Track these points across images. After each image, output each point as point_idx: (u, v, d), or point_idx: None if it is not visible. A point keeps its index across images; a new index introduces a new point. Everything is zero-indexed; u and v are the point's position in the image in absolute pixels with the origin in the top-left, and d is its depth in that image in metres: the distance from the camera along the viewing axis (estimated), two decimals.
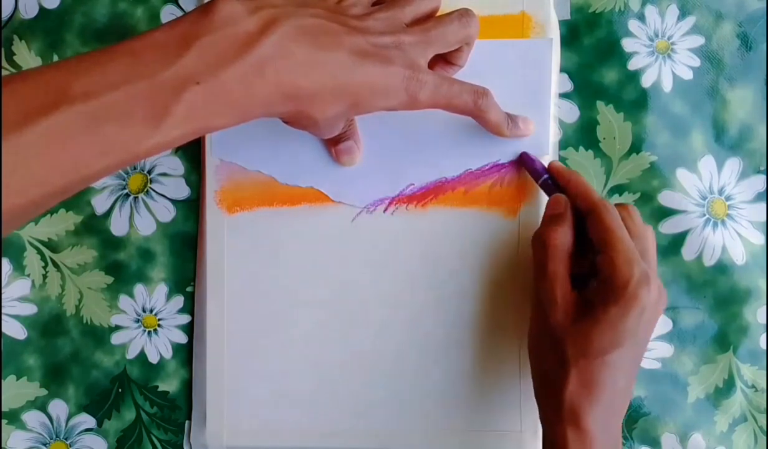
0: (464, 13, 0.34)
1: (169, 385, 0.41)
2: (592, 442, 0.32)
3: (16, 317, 0.41)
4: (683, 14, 0.40)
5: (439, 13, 0.35)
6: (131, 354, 0.41)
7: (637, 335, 0.32)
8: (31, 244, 0.41)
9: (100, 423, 0.41)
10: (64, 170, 0.26)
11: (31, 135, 0.25)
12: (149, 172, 0.41)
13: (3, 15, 0.41)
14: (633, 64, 0.39)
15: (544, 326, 0.34)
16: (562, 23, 0.39)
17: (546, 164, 0.38)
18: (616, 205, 0.35)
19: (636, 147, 0.39)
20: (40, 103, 0.26)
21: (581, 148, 0.40)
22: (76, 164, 0.26)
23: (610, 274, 0.33)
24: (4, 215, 0.26)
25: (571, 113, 0.40)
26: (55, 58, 0.41)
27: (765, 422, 0.39)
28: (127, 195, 0.41)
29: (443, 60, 0.36)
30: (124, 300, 0.41)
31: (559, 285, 0.34)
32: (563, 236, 0.35)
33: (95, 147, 0.26)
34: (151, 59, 0.27)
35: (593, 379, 0.32)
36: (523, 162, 0.38)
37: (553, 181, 0.37)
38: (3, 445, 0.41)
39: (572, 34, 0.40)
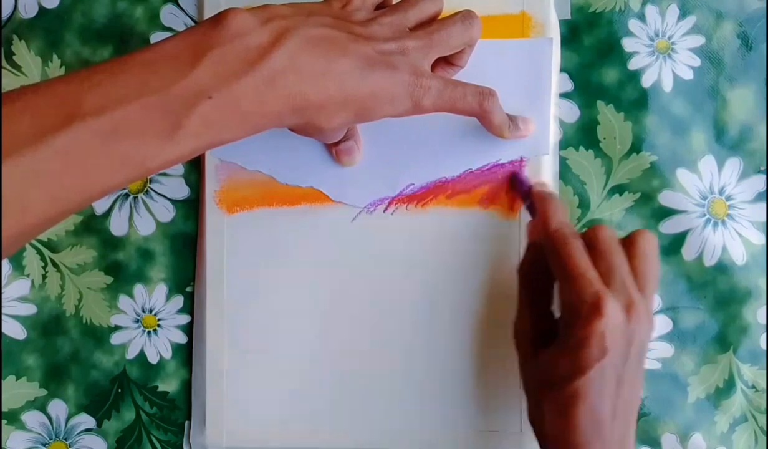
0: (467, 16, 0.34)
1: (169, 385, 0.41)
2: None
3: (15, 317, 0.41)
4: (683, 14, 0.39)
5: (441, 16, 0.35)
6: (131, 354, 0.41)
7: (604, 360, 0.30)
8: (30, 244, 0.41)
9: (99, 424, 0.41)
10: (78, 186, 0.26)
11: (45, 152, 0.25)
12: None
13: (3, 14, 0.41)
14: (633, 64, 0.39)
15: (523, 357, 0.34)
16: (563, 23, 0.39)
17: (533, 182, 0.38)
18: (591, 229, 0.34)
19: (636, 147, 0.39)
20: (53, 119, 0.25)
21: (581, 148, 0.40)
22: (90, 180, 0.26)
23: (565, 302, 0.32)
24: (18, 234, 0.26)
25: (572, 112, 0.40)
26: (55, 57, 0.41)
27: (765, 422, 0.39)
28: (127, 195, 0.41)
29: (444, 61, 0.36)
30: (123, 300, 0.41)
31: (529, 314, 0.34)
32: (533, 265, 0.35)
33: (108, 163, 0.26)
34: (163, 72, 0.27)
35: (565, 410, 0.30)
36: (514, 184, 0.38)
37: (534, 205, 0.37)
38: (3, 445, 0.41)
39: (572, 33, 0.40)
